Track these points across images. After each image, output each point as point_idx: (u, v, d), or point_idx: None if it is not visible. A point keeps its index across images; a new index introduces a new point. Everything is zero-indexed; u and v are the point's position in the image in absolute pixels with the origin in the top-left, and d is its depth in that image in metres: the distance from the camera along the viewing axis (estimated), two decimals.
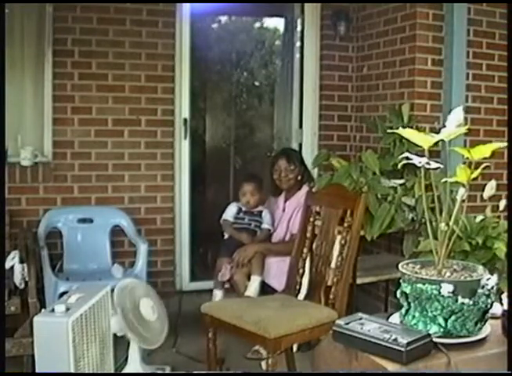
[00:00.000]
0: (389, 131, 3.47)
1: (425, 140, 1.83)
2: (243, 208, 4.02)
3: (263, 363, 3.40)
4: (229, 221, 4.01)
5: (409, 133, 1.85)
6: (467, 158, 1.80)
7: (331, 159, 4.12)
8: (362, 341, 1.73)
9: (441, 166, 1.87)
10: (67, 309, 2.41)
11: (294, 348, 3.31)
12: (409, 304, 1.83)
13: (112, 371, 2.79)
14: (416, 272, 1.83)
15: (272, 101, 6.42)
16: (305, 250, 3.33)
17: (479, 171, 1.78)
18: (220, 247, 4.03)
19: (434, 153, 3.45)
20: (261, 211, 4.02)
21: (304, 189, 3.92)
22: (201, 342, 3.08)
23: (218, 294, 3.79)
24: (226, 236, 4.04)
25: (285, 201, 4.06)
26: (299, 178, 4.00)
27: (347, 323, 1.81)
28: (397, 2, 4.25)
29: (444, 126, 1.86)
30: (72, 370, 2.34)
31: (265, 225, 4.00)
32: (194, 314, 3.35)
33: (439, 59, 4.09)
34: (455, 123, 1.84)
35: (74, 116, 4.26)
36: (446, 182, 1.90)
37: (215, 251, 4.20)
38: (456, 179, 1.80)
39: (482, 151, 1.76)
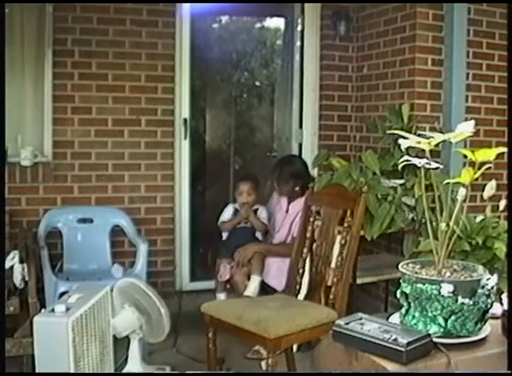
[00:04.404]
0: (388, 132, 3.47)
1: (425, 144, 1.83)
2: (240, 208, 4.03)
3: (263, 363, 3.40)
4: (226, 222, 4.03)
5: (409, 141, 1.85)
6: (469, 159, 1.80)
7: (331, 159, 4.12)
8: (362, 341, 1.73)
9: (441, 166, 1.87)
10: (67, 309, 2.41)
11: (294, 348, 3.31)
12: (409, 304, 1.83)
13: (112, 371, 2.79)
14: (416, 272, 1.83)
15: (272, 101, 6.42)
16: (305, 250, 3.33)
17: (481, 171, 1.78)
18: (219, 248, 4.04)
19: (434, 153, 3.44)
20: (256, 209, 4.03)
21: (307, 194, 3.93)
22: (201, 342, 3.08)
23: (221, 297, 3.80)
24: (225, 237, 4.06)
25: (288, 203, 4.07)
26: (296, 189, 3.99)
27: (347, 323, 1.81)
28: (397, 2, 4.26)
29: (450, 131, 1.86)
30: (72, 370, 2.34)
31: (262, 220, 4.03)
32: (194, 314, 3.35)
33: (439, 59, 4.09)
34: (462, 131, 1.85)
35: (74, 116, 4.26)
36: (447, 181, 1.90)
37: (215, 251, 4.21)
38: (458, 180, 1.81)
39: (487, 154, 1.76)
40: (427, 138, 1.85)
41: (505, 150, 1.79)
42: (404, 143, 1.85)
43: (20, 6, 4.09)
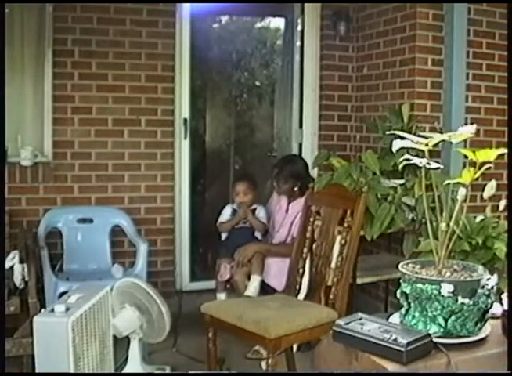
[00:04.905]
0: (388, 132, 3.47)
1: (422, 145, 1.84)
2: (237, 208, 4.03)
3: (263, 363, 3.40)
4: (224, 222, 4.03)
5: (402, 142, 1.85)
6: (470, 159, 1.80)
7: (331, 159, 4.12)
8: (362, 341, 1.73)
9: (441, 166, 1.87)
10: (67, 309, 2.41)
11: (294, 348, 3.31)
12: (409, 304, 1.83)
13: (112, 371, 2.79)
14: (416, 272, 1.83)
15: (272, 101, 6.42)
16: (305, 250, 3.33)
17: (481, 171, 1.78)
18: (219, 248, 4.04)
19: (434, 153, 3.42)
20: (254, 209, 4.03)
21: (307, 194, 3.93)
22: (201, 342, 3.08)
23: (221, 297, 3.80)
24: (224, 237, 4.06)
25: (288, 203, 4.06)
26: (295, 189, 3.99)
27: (347, 323, 1.81)
28: (397, 2, 4.26)
29: (450, 131, 1.86)
30: (72, 370, 2.34)
31: (260, 220, 4.02)
32: (194, 314, 3.35)
33: (439, 59, 4.09)
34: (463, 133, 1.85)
35: (74, 116, 4.26)
36: (447, 182, 1.90)
37: (215, 251, 4.21)
38: (459, 180, 1.81)
39: (488, 155, 1.76)
40: (426, 138, 1.84)
41: (505, 151, 1.79)
42: (396, 145, 1.85)
43: (20, 6, 4.09)
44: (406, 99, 4.14)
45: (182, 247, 4.65)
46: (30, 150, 4.12)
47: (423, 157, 1.84)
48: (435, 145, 1.85)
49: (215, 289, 3.87)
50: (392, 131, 2.02)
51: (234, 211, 4.05)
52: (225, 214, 4.07)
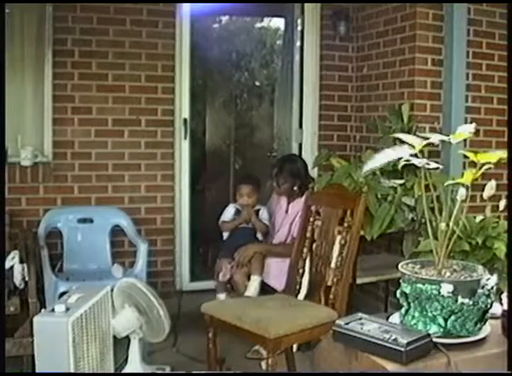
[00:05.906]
0: (391, 135, 3.47)
1: (416, 141, 1.84)
2: (241, 209, 4.02)
3: (263, 363, 3.40)
4: (227, 222, 4.03)
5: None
6: (470, 160, 1.80)
7: (331, 159, 4.12)
8: (362, 341, 1.73)
9: (441, 166, 1.87)
10: (67, 309, 2.41)
11: (294, 348, 3.31)
12: (408, 304, 1.83)
13: (112, 371, 2.80)
14: (416, 273, 1.83)
15: (272, 101, 6.43)
16: (305, 250, 3.32)
17: (481, 172, 1.78)
18: (220, 247, 4.04)
19: (434, 153, 3.43)
20: (258, 210, 4.03)
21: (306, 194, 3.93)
22: (201, 342, 3.08)
23: (221, 297, 3.79)
24: (225, 236, 4.05)
25: (288, 203, 4.06)
26: (295, 188, 3.99)
27: (347, 323, 1.81)
28: (397, 2, 4.26)
29: (449, 134, 1.86)
30: (72, 370, 2.34)
31: (264, 221, 4.02)
32: (194, 314, 3.34)
33: (439, 59, 4.09)
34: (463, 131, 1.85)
35: (74, 116, 4.27)
36: (448, 183, 1.90)
37: (215, 251, 4.20)
38: (461, 181, 1.80)
39: (489, 158, 1.76)
40: (427, 139, 1.84)
41: (506, 155, 1.79)
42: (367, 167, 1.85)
43: (20, 6, 4.09)
44: (406, 99, 4.14)
45: (182, 247, 4.64)
46: (30, 150, 4.12)
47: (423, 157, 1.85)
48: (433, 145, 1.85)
49: (215, 289, 3.87)
50: (394, 135, 2.01)
51: (237, 211, 4.04)
52: (228, 213, 4.06)
